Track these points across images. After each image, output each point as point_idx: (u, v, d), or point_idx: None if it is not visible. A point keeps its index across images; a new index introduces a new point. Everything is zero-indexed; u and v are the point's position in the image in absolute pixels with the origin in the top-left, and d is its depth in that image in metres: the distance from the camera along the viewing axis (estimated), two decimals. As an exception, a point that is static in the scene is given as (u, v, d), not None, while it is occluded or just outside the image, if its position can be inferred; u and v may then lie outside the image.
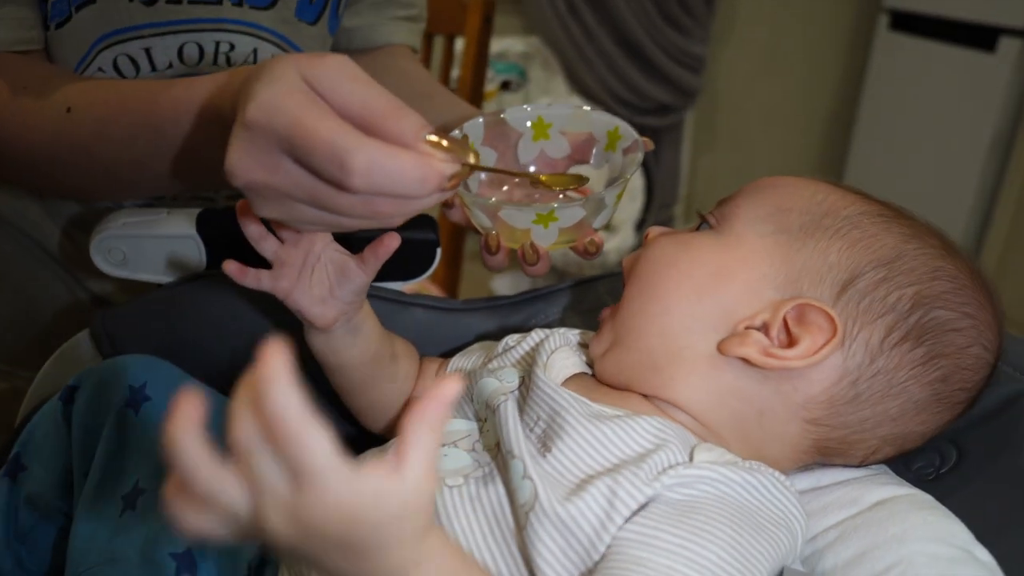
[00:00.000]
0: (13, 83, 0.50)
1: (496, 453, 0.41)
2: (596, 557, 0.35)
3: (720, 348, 0.41)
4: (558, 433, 0.39)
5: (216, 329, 0.57)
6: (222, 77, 0.42)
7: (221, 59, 0.61)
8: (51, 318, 0.70)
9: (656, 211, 2.31)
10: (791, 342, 0.40)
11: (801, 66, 2.37)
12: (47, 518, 0.47)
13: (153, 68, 0.58)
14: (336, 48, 0.76)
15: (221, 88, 0.41)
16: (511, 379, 0.45)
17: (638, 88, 2.25)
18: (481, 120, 0.55)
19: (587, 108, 0.56)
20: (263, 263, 0.47)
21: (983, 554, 0.38)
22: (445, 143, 0.35)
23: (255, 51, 0.62)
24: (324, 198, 0.34)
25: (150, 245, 0.57)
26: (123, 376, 0.48)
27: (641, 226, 2.26)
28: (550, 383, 0.42)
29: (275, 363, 0.22)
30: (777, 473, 0.39)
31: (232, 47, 0.60)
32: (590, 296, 0.63)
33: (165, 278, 0.59)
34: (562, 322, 0.61)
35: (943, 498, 0.43)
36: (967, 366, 0.42)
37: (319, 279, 0.47)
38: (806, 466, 0.46)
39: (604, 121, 0.54)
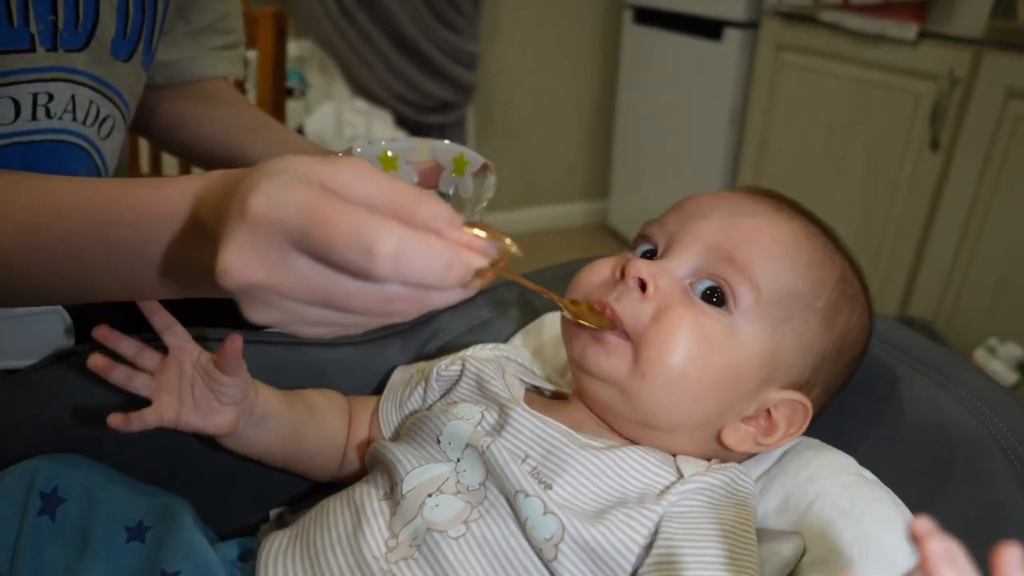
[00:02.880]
0: None
1: (483, 492, 0.42)
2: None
3: (721, 439, 0.47)
4: (555, 470, 0.42)
5: (91, 410, 0.51)
6: (196, 182, 0.36)
7: (40, 112, 0.53)
8: None
9: (452, 205, 2.37)
10: (770, 425, 0.48)
11: (563, 59, 2.56)
12: None
13: None
14: (153, 82, 0.69)
15: (199, 195, 0.36)
16: (472, 415, 0.47)
17: (418, 87, 2.27)
18: None
19: (428, 139, 0.60)
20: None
21: (868, 474, 0.49)
22: (483, 233, 0.32)
23: (72, 98, 0.56)
24: (337, 294, 0.31)
25: (5, 328, 0.49)
26: (32, 483, 0.43)
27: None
28: (537, 419, 0.45)
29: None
30: (736, 464, 0.47)
31: (50, 97, 0.53)
32: (482, 296, 0.66)
33: (25, 361, 0.51)
34: (471, 333, 0.63)
35: (817, 435, 0.54)
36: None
37: (201, 394, 0.47)
38: None
39: (447, 148, 0.58)
